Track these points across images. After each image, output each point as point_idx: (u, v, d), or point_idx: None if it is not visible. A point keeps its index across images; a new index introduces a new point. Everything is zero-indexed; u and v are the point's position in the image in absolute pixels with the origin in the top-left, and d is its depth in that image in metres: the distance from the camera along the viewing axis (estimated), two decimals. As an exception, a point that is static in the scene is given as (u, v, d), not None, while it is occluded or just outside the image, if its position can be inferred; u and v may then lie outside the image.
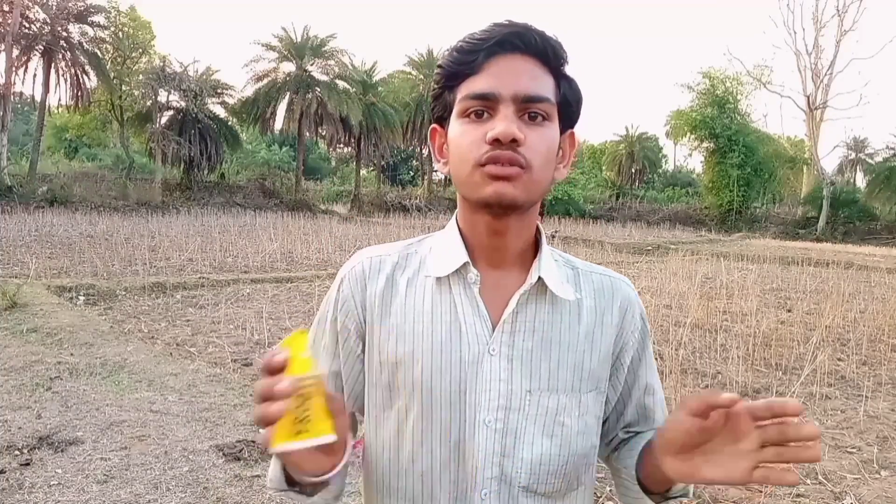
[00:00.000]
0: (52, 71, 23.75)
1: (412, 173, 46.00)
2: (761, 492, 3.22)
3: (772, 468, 0.66)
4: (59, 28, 23.73)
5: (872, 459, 3.70)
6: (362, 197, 31.61)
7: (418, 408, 0.84)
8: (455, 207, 0.90)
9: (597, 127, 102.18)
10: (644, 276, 11.07)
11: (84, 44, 24.59)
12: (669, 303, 8.40)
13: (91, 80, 25.03)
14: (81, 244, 11.85)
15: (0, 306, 6.18)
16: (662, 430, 0.75)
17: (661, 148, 47.05)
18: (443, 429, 0.83)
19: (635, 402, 0.93)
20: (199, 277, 8.87)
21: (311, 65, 29.05)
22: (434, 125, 0.89)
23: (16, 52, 22.40)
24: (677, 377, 5.02)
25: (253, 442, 3.44)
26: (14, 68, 22.48)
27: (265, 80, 28.83)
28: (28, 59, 23.38)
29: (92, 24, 25.11)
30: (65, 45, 23.87)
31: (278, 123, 29.61)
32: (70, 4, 24.09)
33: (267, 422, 0.64)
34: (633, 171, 42.36)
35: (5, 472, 3.01)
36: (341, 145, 35.69)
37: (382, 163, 36.92)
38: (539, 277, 0.84)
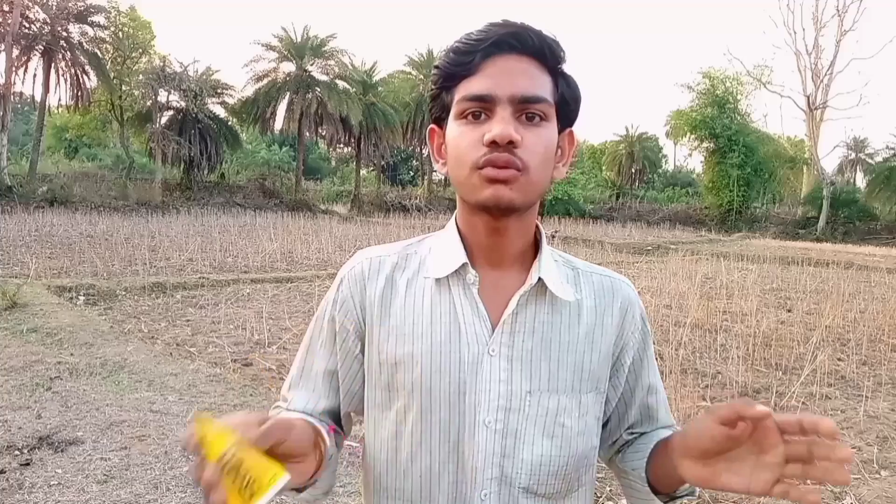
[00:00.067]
0: (52, 71, 23.75)
1: (412, 173, 46.00)
2: (761, 492, 3.22)
3: (794, 484, 0.65)
4: (59, 28, 23.73)
5: (872, 459, 3.70)
6: (362, 197, 31.61)
7: (417, 408, 0.84)
8: (455, 207, 0.90)
9: (597, 127, 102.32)
10: (644, 276, 11.07)
11: (84, 44, 24.58)
12: (669, 303, 8.40)
13: (91, 80, 25.04)
14: (81, 244, 11.85)
15: (0, 306, 6.18)
16: (685, 434, 0.74)
17: (661, 148, 47.07)
18: (442, 429, 0.83)
19: (638, 403, 0.93)
20: (199, 277, 8.87)
21: (311, 65, 29.05)
22: (432, 126, 0.89)
23: (16, 52, 22.39)
24: (677, 377, 5.02)
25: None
26: (14, 68, 22.47)
27: (265, 80, 28.84)
28: (28, 59, 23.37)
29: (92, 24, 25.12)
30: (65, 45, 23.87)
31: (278, 123, 29.63)
32: (70, 4, 24.09)
33: None
34: (633, 171, 42.35)
35: (5, 472, 3.01)
36: (341, 145, 35.73)
37: (382, 163, 36.90)
38: (539, 278, 0.84)
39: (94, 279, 8.24)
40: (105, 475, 3.04)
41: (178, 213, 20.94)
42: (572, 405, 0.85)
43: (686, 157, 54.37)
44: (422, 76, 32.68)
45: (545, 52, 0.80)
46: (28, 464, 3.11)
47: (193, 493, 2.92)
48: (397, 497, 0.86)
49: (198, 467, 0.64)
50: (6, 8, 22.26)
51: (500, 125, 0.77)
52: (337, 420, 0.95)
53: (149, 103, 26.05)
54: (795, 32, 37.26)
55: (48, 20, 23.43)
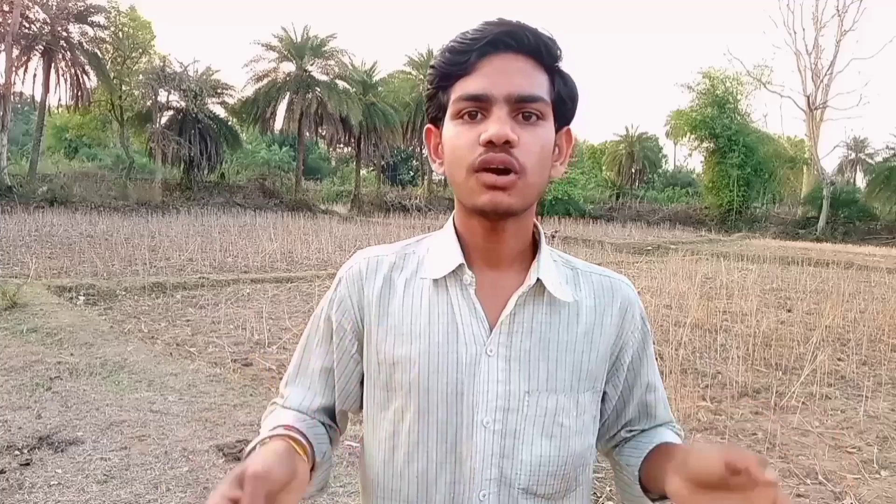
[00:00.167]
0: (52, 71, 23.75)
1: (412, 173, 45.99)
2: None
3: None
4: (59, 28, 23.73)
5: (872, 459, 3.70)
6: (362, 197, 31.62)
7: (415, 409, 0.84)
8: (454, 207, 0.90)
9: (597, 127, 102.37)
10: (644, 276, 11.07)
11: (84, 44, 24.58)
12: (669, 303, 8.40)
13: (91, 80, 25.05)
14: (81, 244, 11.85)
15: (0, 306, 6.18)
16: (689, 453, 0.73)
17: (661, 148, 47.06)
18: (439, 430, 0.83)
19: (636, 401, 0.94)
20: (199, 277, 8.87)
21: (311, 65, 29.05)
22: (429, 125, 0.88)
23: (16, 52, 22.39)
24: (677, 377, 5.02)
25: (253, 442, 3.44)
26: (14, 68, 22.47)
27: (265, 80, 28.84)
28: (28, 59, 23.37)
29: (92, 24, 25.12)
30: (65, 45, 23.87)
31: (278, 123, 29.64)
32: (70, 4, 24.10)
33: None
34: (633, 171, 42.34)
35: (5, 472, 3.01)
36: (341, 145, 35.73)
37: (382, 163, 36.90)
38: (537, 279, 0.84)
39: (94, 279, 8.24)
40: (105, 475, 3.04)
41: (178, 213, 20.94)
42: (570, 405, 0.85)
43: (686, 157, 54.41)
44: (422, 76, 32.67)
45: (541, 51, 0.80)
46: (28, 464, 3.11)
47: (193, 493, 2.92)
48: (394, 498, 0.86)
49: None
50: (6, 8, 22.27)
51: (497, 125, 0.76)
52: (332, 417, 0.95)
53: (149, 103, 26.05)
54: (795, 32, 37.25)
55: (48, 20, 23.43)
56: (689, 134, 32.72)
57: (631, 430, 0.95)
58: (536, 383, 0.83)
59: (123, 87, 26.83)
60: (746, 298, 8.73)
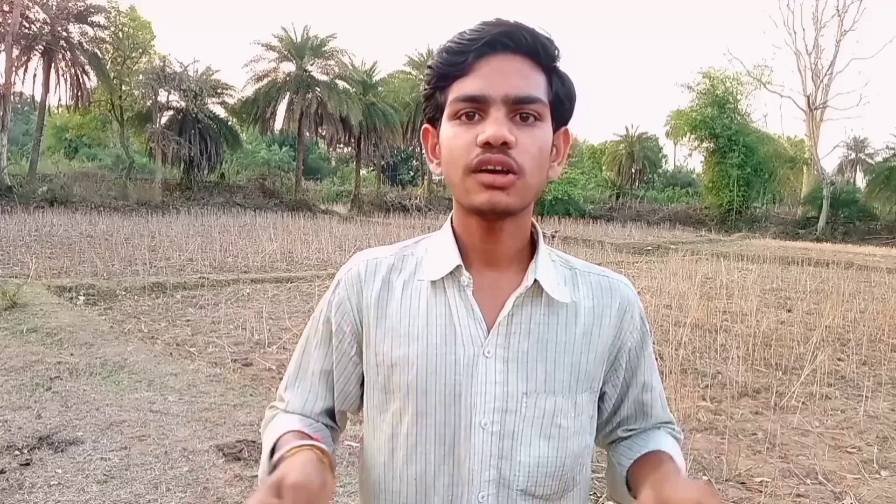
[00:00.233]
0: (52, 71, 23.74)
1: (412, 173, 45.98)
2: (761, 492, 3.22)
3: None
4: (59, 28, 23.73)
5: (872, 459, 3.70)
6: (362, 197, 31.61)
7: (413, 410, 0.84)
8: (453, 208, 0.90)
9: (597, 127, 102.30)
10: (644, 276, 11.07)
11: (84, 44, 24.57)
12: (669, 303, 8.40)
13: (91, 80, 25.03)
14: (81, 244, 11.85)
15: (0, 306, 6.18)
16: (665, 482, 0.75)
17: (661, 148, 47.03)
18: (437, 432, 0.83)
19: (632, 399, 0.94)
20: (199, 277, 8.87)
21: (311, 65, 29.05)
22: (426, 126, 0.88)
23: (16, 52, 22.39)
24: (677, 377, 5.02)
25: (253, 442, 3.45)
26: (14, 68, 22.47)
27: (265, 80, 28.84)
28: (28, 59, 23.37)
29: (92, 24, 25.11)
30: (65, 45, 23.87)
31: (278, 123, 29.63)
32: (70, 4, 24.09)
33: None
34: (633, 171, 42.33)
35: (5, 472, 3.01)
36: (341, 145, 35.72)
37: (382, 163, 36.89)
38: (535, 280, 0.84)
39: (94, 279, 8.24)
40: (105, 475, 3.04)
41: (178, 213, 20.94)
42: (568, 406, 0.85)
43: (686, 157, 54.37)
44: (421, 76, 32.62)
45: (539, 51, 0.80)
46: (28, 464, 3.11)
47: (193, 493, 2.92)
48: (393, 500, 0.86)
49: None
50: (6, 8, 22.27)
51: (494, 126, 0.76)
52: (333, 417, 0.96)
53: (149, 103, 26.04)
54: (795, 32, 37.25)
55: (48, 20, 23.42)
56: (689, 134, 32.71)
57: (628, 430, 0.95)
58: (534, 384, 0.83)
59: (123, 87, 26.82)
60: (746, 298, 8.73)
